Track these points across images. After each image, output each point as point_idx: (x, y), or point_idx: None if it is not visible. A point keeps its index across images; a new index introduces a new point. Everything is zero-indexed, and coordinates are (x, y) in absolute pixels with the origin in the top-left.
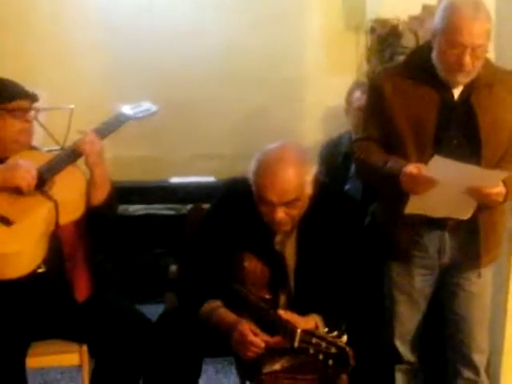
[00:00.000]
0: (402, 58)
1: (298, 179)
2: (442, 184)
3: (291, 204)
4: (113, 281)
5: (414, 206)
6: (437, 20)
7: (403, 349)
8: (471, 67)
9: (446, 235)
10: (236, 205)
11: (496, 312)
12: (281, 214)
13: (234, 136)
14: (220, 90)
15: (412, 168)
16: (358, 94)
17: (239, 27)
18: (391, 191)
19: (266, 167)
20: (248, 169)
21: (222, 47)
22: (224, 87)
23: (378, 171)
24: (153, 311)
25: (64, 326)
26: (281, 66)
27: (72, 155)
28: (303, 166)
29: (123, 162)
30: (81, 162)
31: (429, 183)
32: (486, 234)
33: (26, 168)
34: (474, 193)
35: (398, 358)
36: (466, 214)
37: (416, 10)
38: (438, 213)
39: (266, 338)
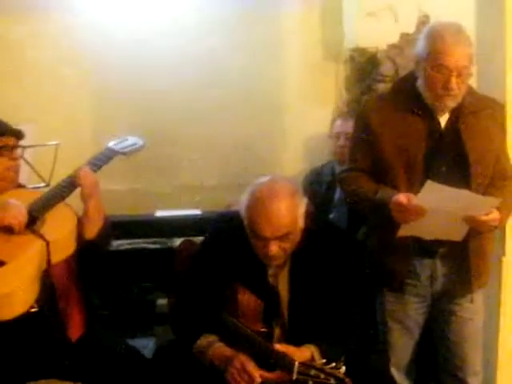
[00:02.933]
0: (381, 86)
1: (290, 213)
2: (434, 209)
3: (284, 238)
4: (101, 316)
5: (406, 228)
6: (420, 47)
7: (399, 376)
8: (457, 91)
9: (437, 263)
10: (228, 239)
11: (488, 335)
12: (274, 248)
13: (218, 167)
14: (202, 122)
15: (401, 197)
16: (338, 122)
17: (220, 57)
18: (382, 220)
19: (258, 202)
20: (239, 203)
21: (203, 79)
22: (206, 119)
23: (368, 202)
24: (141, 345)
25: (58, 365)
26: (261, 96)
27: (62, 192)
28: (295, 199)
29: (107, 196)
30: (71, 198)
31: (419, 213)
32: (476, 259)
33: (16, 207)
34: (470, 220)
35: None
36: (458, 237)
37: (394, 39)
38: (431, 235)
39: (265, 373)
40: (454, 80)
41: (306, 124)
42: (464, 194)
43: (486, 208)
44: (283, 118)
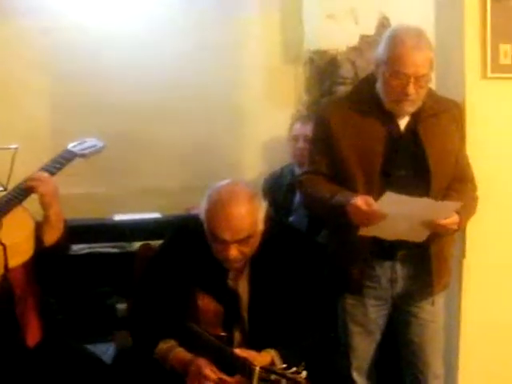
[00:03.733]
0: (341, 88)
1: (250, 217)
2: (393, 217)
3: (244, 242)
4: (59, 322)
5: (367, 229)
6: (380, 50)
7: (360, 380)
8: (416, 96)
9: (398, 265)
10: (187, 242)
11: (450, 338)
12: (234, 251)
13: (178, 170)
14: (162, 124)
15: (359, 201)
16: (297, 125)
17: (180, 60)
18: (342, 223)
19: (218, 206)
20: (199, 206)
21: (164, 81)
22: (166, 121)
23: (325, 204)
24: (101, 350)
25: (16, 371)
26: (221, 98)
27: (19, 196)
28: (255, 203)
29: (65, 199)
30: (31, 202)
31: (377, 217)
32: (437, 261)
33: None
34: (430, 225)
35: None
36: (420, 238)
37: (354, 41)
38: (392, 236)
39: (225, 377)
40: (412, 86)
41: (266, 126)
42: (424, 201)
43: (446, 213)
44: (243, 120)
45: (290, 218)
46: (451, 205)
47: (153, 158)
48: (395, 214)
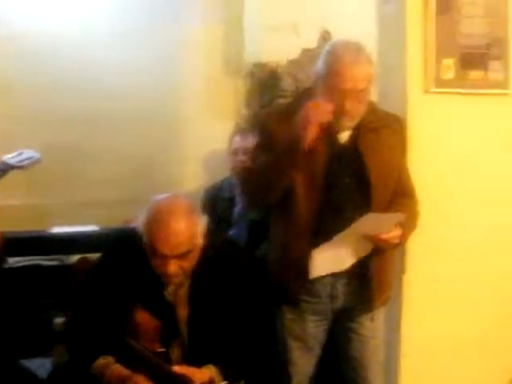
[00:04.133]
0: (281, 101)
1: (190, 231)
2: (344, 241)
3: (184, 256)
4: None
5: (319, 268)
6: (318, 65)
7: None
8: (354, 112)
9: (338, 280)
10: (125, 256)
11: (390, 354)
12: (173, 266)
13: (117, 182)
14: (101, 136)
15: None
16: (237, 138)
17: (119, 71)
18: (283, 237)
19: (157, 220)
20: (138, 220)
21: (102, 91)
22: (105, 132)
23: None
24: (39, 365)
25: None
26: (160, 109)
27: None
28: (194, 217)
29: (1, 211)
30: None
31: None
32: (377, 277)
33: None
34: (373, 240)
35: None
36: (365, 251)
37: (295, 54)
38: (343, 265)
39: None
40: (349, 102)
41: (207, 139)
42: (369, 216)
43: (390, 225)
44: (183, 132)
45: (231, 231)
46: (395, 216)
47: (91, 169)
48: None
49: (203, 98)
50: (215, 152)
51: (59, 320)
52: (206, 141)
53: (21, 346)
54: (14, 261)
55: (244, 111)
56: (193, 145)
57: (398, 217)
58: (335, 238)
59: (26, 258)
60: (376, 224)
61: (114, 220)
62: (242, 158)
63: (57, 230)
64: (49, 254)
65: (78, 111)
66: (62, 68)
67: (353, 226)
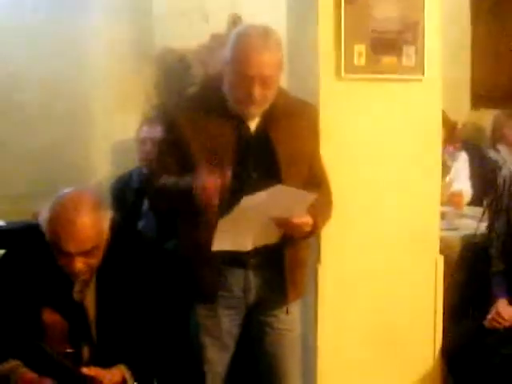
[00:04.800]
0: (191, 89)
1: (94, 227)
2: (246, 217)
3: (89, 253)
4: None
5: (221, 241)
6: (225, 51)
7: None
8: (261, 98)
9: (250, 273)
10: (31, 253)
11: (307, 350)
12: (79, 264)
13: (22, 175)
14: (9, 127)
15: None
16: (145, 127)
17: (23, 58)
18: (192, 229)
19: (60, 216)
20: (40, 217)
21: (6, 83)
22: (12, 123)
23: (173, 193)
24: None
25: None
26: (65, 99)
27: None
28: (99, 212)
29: None
30: None
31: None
32: (291, 269)
33: None
34: (281, 223)
35: None
36: (273, 239)
37: (204, 39)
38: (246, 246)
39: None
40: (256, 89)
41: (115, 128)
42: (278, 188)
43: (301, 205)
44: (91, 122)
45: (140, 223)
46: (305, 195)
47: None
48: (249, 209)
49: (112, 85)
50: (124, 142)
51: None
52: (115, 130)
53: None
54: None
55: (153, 99)
56: (101, 135)
57: (309, 196)
58: (237, 209)
59: None
60: (287, 198)
61: (23, 214)
62: (149, 148)
63: None
64: None
65: None
66: None
67: (258, 194)
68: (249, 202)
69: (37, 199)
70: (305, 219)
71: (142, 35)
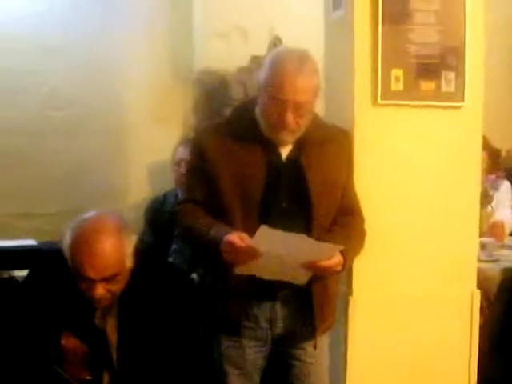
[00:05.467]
0: (230, 110)
1: (117, 253)
2: (271, 255)
3: (111, 280)
4: None
5: (244, 267)
6: (261, 74)
7: None
8: (295, 126)
9: (278, 305)
10: (53, 276)
11: (336, 378)
12: (100, 290)
13: (55, 193)
14: (40, 144)
15: (233, 237)
16: (180, 148)
17: (63, 75)
18: (218, 258)
19: (81, 242)
20: (63, 240)
21: (42, 98)
22: (45, 140)
23: (200, 238)
24: None
25: None
26: (105, 117)
27: None
28: (122, 238)
29: None
30: None
31: (252, 254)
32: (320, 302)
33: None
34: (311, 266)
35: None
36: (301, 281)
37: (245, 61)
38: (271, 276)
39: None
40: (290, 115)
41: (152, 149)
42: (302, 239)
43: (328, 254)
44: (127, 142)
45: (173, 246)
46: (331, 248)
47: (31, 179)
48: (273, 251)
49: (150, 106)
50: (161, 162)
51: None
52: (151, 150)
53: None
54: None
55: (192, 120)
56: (137, 155)
57: (334, 248)
58: (283, 234)
59: None
60: (313, 250)
61: (54, 233)
62: (183, 170)
63: None
64: None
65: (17, 121)
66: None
67: (278, 232)
68: (268, 233)
69: (68, 218)
70: (335, 260)
71: (181, 56)
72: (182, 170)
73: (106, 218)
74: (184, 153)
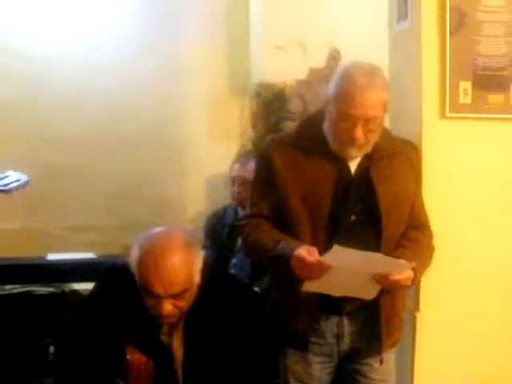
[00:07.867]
0: (288, 123)
1: (185, 270)
2: (341, 270)
3: (179, 296)
4: None
5: (311, 284)
6: (330, 88)
7: None
8: (364, 141)
9: (345, 320)
10: (118, 291)
11: None
12: (168, 306)
13: (114, 206)
14: (98, 157)
15: (303, 252)
16: (236, 165)
17: (120, 91)
18: (284, 275)
19: (150, 257)
20: (130, 255)
21: (101, 112)
22: (102, 153)
23: (267, 253)
24: None
25: None
26: (162, 131)
27: None
28: (191, 254)
29: None
30: None
31: (322, 269)
32: (386, 317)
33: None
34: (381, 280)
35: None
36: (370, 295)
37: (303, 74)
38: (338, 292)
39: None
40: (360, 129)
41: (210, 162)
42: (374, 256)
43: (397, 271)
44: (185, 155)
45: (233, 261)
46: (404, 264)
47: (89, 193)
48: (342, 267)
49: (207, 119)
50: (219, 176)
51: (53, 349)
52: (210, 164)
53: (15, 372)
54: (9, 287)
55: (250, 133)
56: (196, 168)
57: (407, 265)
58: (328, 255)
59: (22, 284)
60: (384, 266)
61: (112, 246)
62: (237, 188)
63: (52, 257)
64: (43, 282)
65: (77, 135)
66: (59, 91)
67: (352, 250)
68: (340, 251)
69: (125, 231)
70: (405, 275)
71: (238, 69)
72: (235, 188)
73: (174, 234)
74: (238, 170)
